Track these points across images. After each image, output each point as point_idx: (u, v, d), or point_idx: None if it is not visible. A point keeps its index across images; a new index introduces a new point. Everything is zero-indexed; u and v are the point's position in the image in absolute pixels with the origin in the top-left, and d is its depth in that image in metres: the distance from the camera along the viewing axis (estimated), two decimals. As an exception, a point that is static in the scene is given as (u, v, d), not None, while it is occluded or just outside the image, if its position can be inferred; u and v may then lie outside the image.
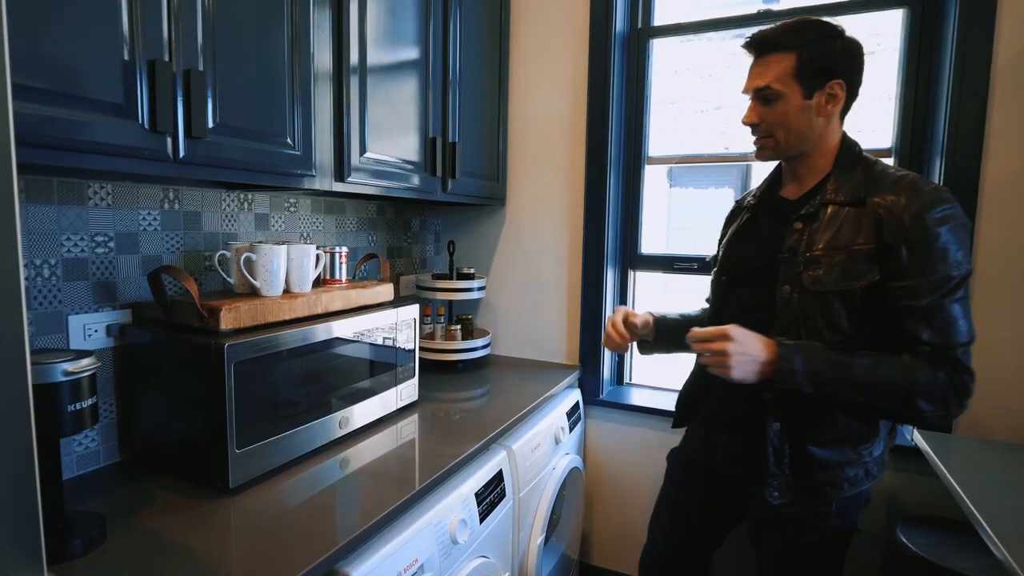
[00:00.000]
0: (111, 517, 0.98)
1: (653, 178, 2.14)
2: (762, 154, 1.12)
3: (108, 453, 1.21)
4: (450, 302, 2.17)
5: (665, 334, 1.34)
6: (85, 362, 0.88)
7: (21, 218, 1.04)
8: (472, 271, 2.08)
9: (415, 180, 1.60)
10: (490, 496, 1.34)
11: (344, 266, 1.49)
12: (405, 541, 1.04)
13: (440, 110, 1.70)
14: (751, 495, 1.18)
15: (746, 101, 1.13)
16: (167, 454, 1.17)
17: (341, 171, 1.33)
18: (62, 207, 1.10)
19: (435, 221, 2.34)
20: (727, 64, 2.25)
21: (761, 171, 1.46)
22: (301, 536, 0.94)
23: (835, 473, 1.06)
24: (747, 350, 0.99)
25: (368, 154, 1.41)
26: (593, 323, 2.05)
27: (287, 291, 1.29)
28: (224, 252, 1.26)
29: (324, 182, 1.30)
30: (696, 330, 1.04)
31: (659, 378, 2.16)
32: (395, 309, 1.49)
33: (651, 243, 2.12)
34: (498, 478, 1.39)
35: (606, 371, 2.10)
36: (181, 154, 0.96)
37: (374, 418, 1.44)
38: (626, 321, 1.29)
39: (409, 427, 1.46)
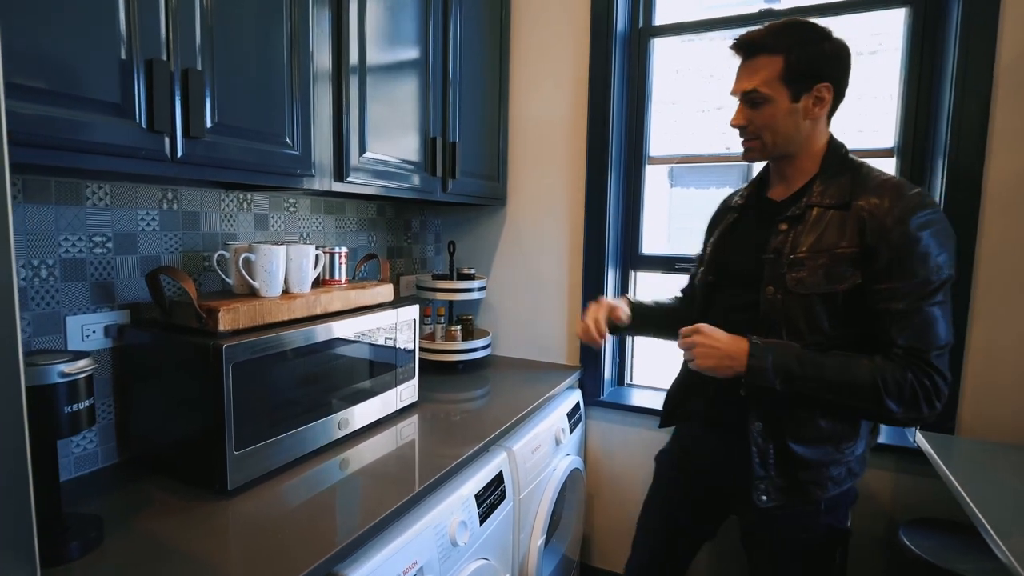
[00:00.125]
0: (109, 519, 0.97)
1: (654, 178, 2.14)
2: (749, 156, 1.13)
3: (106, 454, 1.20)
4: (450, 302, 2.17)
5: (638, 320, 1.38)
6: (82, 363, 0.87)
7: (19, 218, 1.04)
8: (472, 271, 2.07)
9: (415, 180, 1.60)
10: (490, 498, 1.34)
11: (344, 266, 1.48)
12: (405, 543, 1.04)
13: (440, 110, 1.69)
14: (738, 498, 1.18)
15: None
16: (165, 455, 1.17)
17: (341, 171, 1.33)
18: (60, 207, 1.10)
19: (435, 221, 2.33)
20: (728, 64, 2.25)
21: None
22: (300, 538, 0.93)
23: (819, 472, 1.07)
24: (714, 343, 1.04)
25: (368, 154, 1.40)
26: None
27: (286, 292, 1.29)
28: (223, 252, 1.26)
29: (323, 182, 1.30)
30: (682, 330, 1.09)
31: (660, 379, 2.15)
32: (395, 310, 1.49)
33: (652, 243, 2.12)
34: (498, 479, 1.39)
35: (607, 372, 2.09)
36: (179, 154, 0.95)
37: (374, 419, 1.44)
38: (611, 314, 1.30)
39: (409, 428, 1.45)
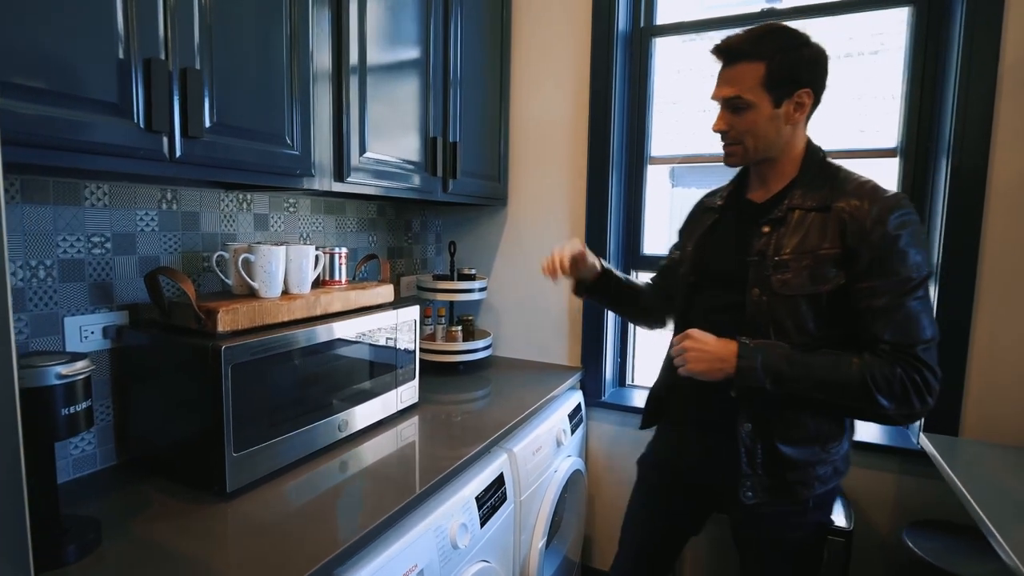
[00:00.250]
0: (107, 522, 0.97)
1: (655, 178, 2.13)
2: (730, 160, 1.15)
3: (105, 456, 1.19)
4: (451, 303, 2.16)
5: (607, 286, 1.38)
6: (79, 365, 0.87)
7: (17, 218, 1.04)
8: (473, 272, 2.06)
9: (416, 180, 1.59)
10: (491, 500, 1.33)
11: (344, 267, 1.48)
12: (405, 546, 1.03)
13: (441, 110, 1.68)
14: (725, 497, 1.18)
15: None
16: (164, 457, 1.16)
17: (341, 171, 1.32)
18: (58, 207, 1.09)
19: (436, 221, 2.32)
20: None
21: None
22: (299, 541, 0.93)
23: (806, 472, 1.08)
24: (705, 347, 1.05)
25: (368, 154, 1.40)
26: (595, 325, 2.03)
27: (286, 292, 1.28)
28: (222, 253, 1.25)
29: (323, 182, 1.29)
30: (673, 339, 1.11)
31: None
32: (395, 310, 1.48)
33: (653, 243, 2.11)
34: (499, 481, 1.38)
35: (608, 373, 2.08)
36: (177, 154, 0.95)
37: (374, 420, 1.43)
38: (578, 258, 1.30)
39: (409, 430, 1.45)
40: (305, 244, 1.33)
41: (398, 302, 1.56)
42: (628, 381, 2.19)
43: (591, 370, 2.05)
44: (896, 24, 1.69)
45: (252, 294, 1.22)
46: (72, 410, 0.86)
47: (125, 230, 1.21)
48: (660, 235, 2.12)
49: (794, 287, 1.04)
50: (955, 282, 1.52)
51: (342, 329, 1.30)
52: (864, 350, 1.02)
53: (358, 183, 1.38)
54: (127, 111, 0.87)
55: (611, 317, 2.05)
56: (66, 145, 0.80)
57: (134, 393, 1.19)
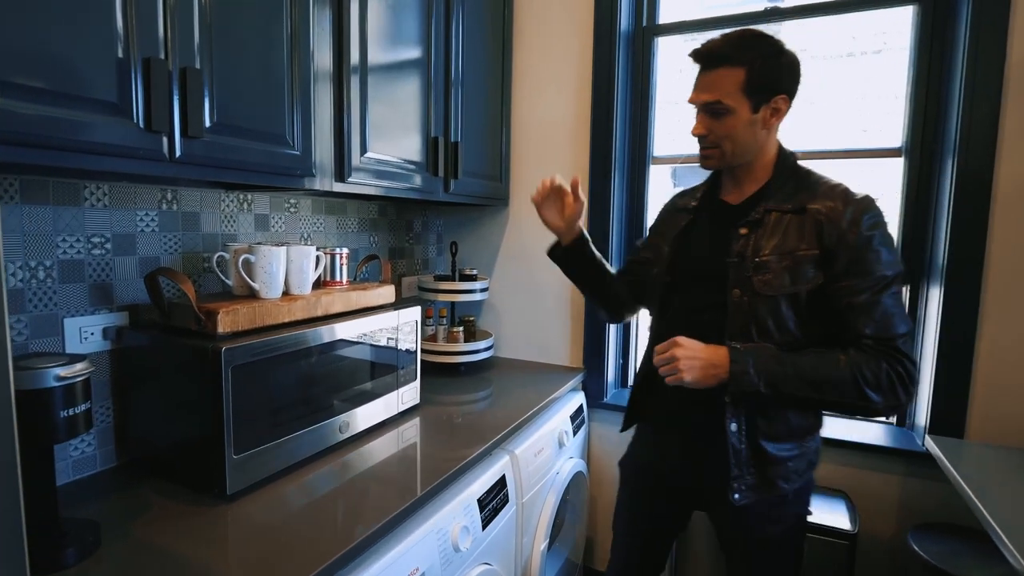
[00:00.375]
0: (106, 524, 0.96)
1: (657, 178, 2.12)
2: (708, 163, 1.17)
3: (104, 458, 1.19)
4: (452, 304, 2.15)
5: (581, 253, 1.38)
6: (78, 367, 0.86)
7: (16, 219, 1.03)
8: (475, 272, 2.06)
9: (417, 180, 1.58)
10: (493, 502, 1.32)
11: (345, 267, 1.47)
12: (406, 549, 1.02)
13: (442, 110, 1.68)
14: (710, 496, 1.19)
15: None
16: (164, 459, 1.15)
17: (341, 171, 1.31)
18: (58, 208, 1.09)
19: (437, 222, 2.32)
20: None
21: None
22: (300, 544, 0.92)
23: (785, 467, 1.10)
24: (696, 355, 1.05)
25: (369, 154, 1.39)
26: (597, 326, 2.03)
27: (286, 293, 1.27)
28: (222, 254, 1.24)
29: (324, 182, 1.28)
30: (657, 347, 1.09)
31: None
32: (396, 311, 1.47)
33: (656, 244, 2.09)
34: (501, 483, 1.37)
35: (610, 374, 2.08)
36: (177, 154, 0.94)
37: (375, 422, 1.42)
38: (568, 203, 1.31)
39: (410, 431, 1.44)
40: (306, 244, 1.32)
41: (399, 303, 1.55)
42: (630, 382, 2.18)
43: (593, 371, 2.05)
44: (899, 23, 1.68)
45: (252, 295, 1.21)
46: (71, 412, 0.86)
47: (125, 230, 1.20)
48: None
49: (775, 287, 1.06)
50: (960, 283, 1.51)
51: (343, 330, 1.29)
52: (848, 347, 1.03)
53: (359, 183, 1.38)
54: (127, 111, 0.86)
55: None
56: (66, 145, 0.79)
57: (134, 394, 1.18)
